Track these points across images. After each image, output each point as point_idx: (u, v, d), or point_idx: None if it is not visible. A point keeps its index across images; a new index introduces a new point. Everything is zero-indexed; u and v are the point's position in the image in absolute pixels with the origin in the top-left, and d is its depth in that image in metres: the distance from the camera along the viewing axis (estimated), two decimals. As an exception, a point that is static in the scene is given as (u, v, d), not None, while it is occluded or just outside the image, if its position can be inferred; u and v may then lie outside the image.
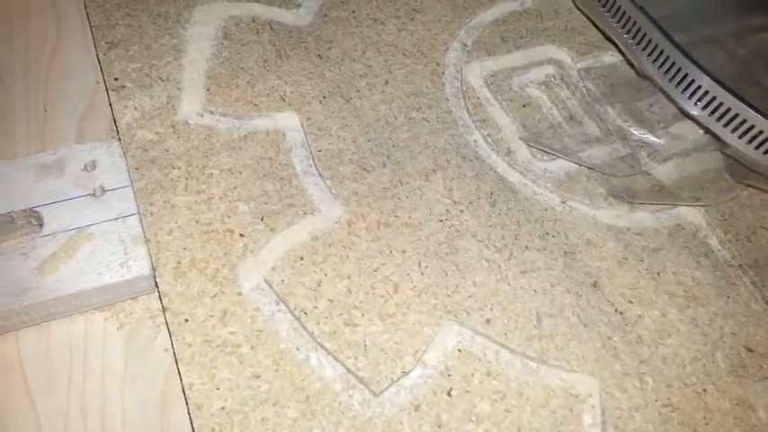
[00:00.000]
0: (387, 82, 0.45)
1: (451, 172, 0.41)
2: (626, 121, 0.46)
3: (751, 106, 0.40)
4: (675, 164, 0.45)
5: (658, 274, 0.39)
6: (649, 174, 0.44)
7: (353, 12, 0.49)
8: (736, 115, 0.40)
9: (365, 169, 0.40)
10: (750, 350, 0.37)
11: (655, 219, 0.42)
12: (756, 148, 0.40)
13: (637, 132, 0.46)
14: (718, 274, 0.40)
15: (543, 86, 0.48)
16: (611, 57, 0.50)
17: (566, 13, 0.52)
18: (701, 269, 0.40)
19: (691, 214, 0.42)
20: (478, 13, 0.51)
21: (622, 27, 0.47)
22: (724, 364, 0.36)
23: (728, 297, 0.39)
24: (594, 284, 0.38)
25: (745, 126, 0.40)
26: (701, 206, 0.42)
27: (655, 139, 0.46)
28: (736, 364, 0.36)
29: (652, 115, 0.47)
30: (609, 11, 0.48)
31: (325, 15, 0.48)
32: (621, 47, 0.48)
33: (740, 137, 0.41)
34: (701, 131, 0.46)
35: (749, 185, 0.44)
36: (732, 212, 0.43)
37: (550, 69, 0.49)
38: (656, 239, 0.41)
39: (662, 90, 0.45)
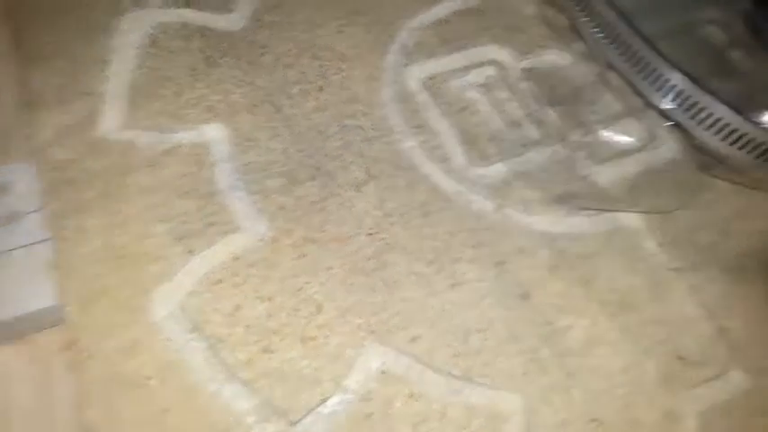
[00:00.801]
0: (321, 88, 0.44)
1: (384, 182, 0.41)
2: (566, 123, 0.46)
3: (719, 99, 0.39)
4: (615, 165, 0.44)
5: (590, 282, 0.38)
6: (587, 176, 0.43)
7: (289, 15, 0.48)
8: (703, 108, 0.40)
9: (294, 182, 0.40)
10: (682, 358, 0.37)
11: (591, 223, 0.41)
12: (723, 140, 0.40)
13: (576, 133, 0.45)
14: (653, 280, 0.39)
15: (483, 89, 0.47)
16: (553, 56, 0.49)
17: (509, 10, 0.51)
18: (635, 274, 0.39)
19: (629, 217, 0.42)
20: (421, 14, 0.50)
21: (590, 21, 0.46)
22: (655, 374, 0.36)
23: (662, 303, 0.38)
24: (525, 295, 0.37)
25: (712, 119, 0.40)
26: (639, 212, 0.42)
27: (594, 139, 0.45)
28: (667, 373, 0.36)
29: (592, 115, 0.46)
30: (578, 4, 0.47)
31: (259, 20, 0.47)
32: (589, 41, 0.46)
33: (707, 129, 0.41)
34: (642, 131, 0.46)
35: (715, 176, 0.44)
36: (671, 213, 0.42)
37: (491, 71, 0.48)
38: (591, 245, 0.40)
39: (630, 84, 0.44)
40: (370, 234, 0.38)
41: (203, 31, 0.45)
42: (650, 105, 0.45)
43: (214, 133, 0.40)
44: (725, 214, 0.42)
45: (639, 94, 0.47)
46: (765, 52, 0.50)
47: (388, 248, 0.38)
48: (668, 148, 0.45)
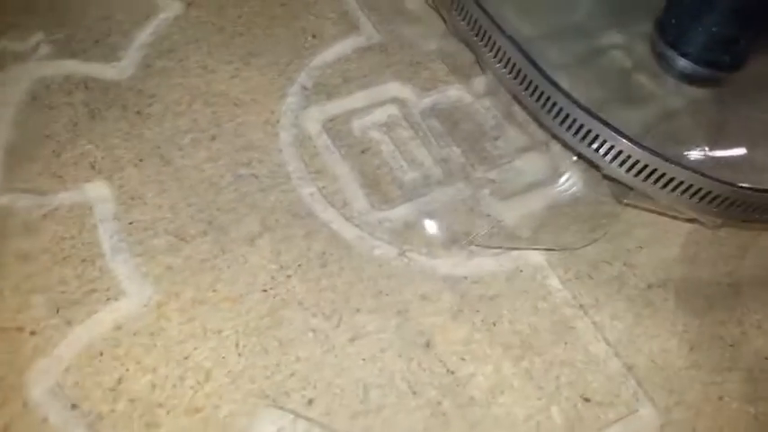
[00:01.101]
0: (214, 137, 0.42)
1: (280, 233, 0.39)
2: (470, 159, 0.45)
3: (616, 130, 0.39)
4: (519, 201, 0.44)
5: (494, 325, 0.38)
6: (491, 215, 0.43)
7: (181, 60, 0.46)
8: (605, 140, 0.40)
9: (183, 239, 0.38)
10: (587, 400, 0.36)
11: (495, 262, 0.41)
12: (627, 171, 0.40)
13: (480, 170, 0.45)
14: (556, 319, 0.39)
15: (385, 128, 0.46)
16: (456, 91, 0.48)
17: (412, 46, 0.50)
18: (538, 314, 0.39)
19: (532, 255, 0.41)
20: (321, 52, 0.49)
21: (493, 55, 0.46)
22: (560, 419, 0.35)
23: (566, 343, 0.38)
24: (427, 344, 0.36)
25: (614, 150, 0.39)
26: (542, 249, 0.41)
27: (498, 176, 0.45)
28: (572, 417, 0.35)
29: (496, 151, 0.46)
30: (480, 38, 0.46)
31: (149, 66, 0.45)
32: (492, 75, 0.46)
33: (610, 160, 0.41)
34: (547, 165, 0.46)
35: (628, 205, 0.44)
36: (573, 249, 0.42)
37: (394, 109, 0.47)
38: (494, 286, 0.39)
39: (535, 118, 0.45)
40: (265, 290, 0.37)
41: (88, 83, 0.43)
42: (555, 138, 0.45)
43: (97, 192, 0.38)
44: (630, 246, 0.42)
45: (544, 127, 0.46)
46: (668, 76, 0.51)
47: (283, 304, 0.36)
48: (573, 182, 0.45)
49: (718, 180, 0.37)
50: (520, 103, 0.47)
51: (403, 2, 0.53)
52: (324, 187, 0.42)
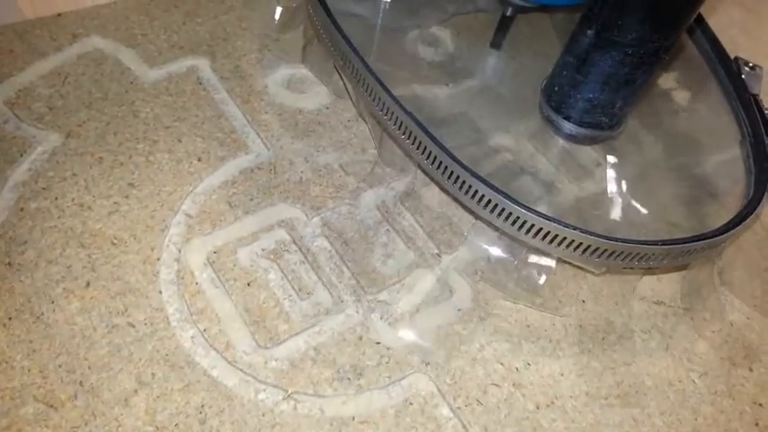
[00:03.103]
0: (88, 284, 0.41)
1: (157, 389, 0.38)
2: (360, 281, 0.45)
3: (501, 193, 0.40)
4: (408, 324, 0.43)
5: (382, 471, 0.37)
6: (378, 342, 0.42)
7: (56, 199, 0.44)
8: (494, 203, 0.41)
9: (53, 406, 0.36)
10: None
11: (385, 395, 0.40)
12: (511, 225, 0.41)
13: (371, 292, 0.44)
14: (446, 455, 0.38)
15: (273, 255, 0.45)
16: (346, 206, 0.48)
17: (301, 162, 0.50)
18: (428, 452, 0.38)
19: (422, 382, 0.41)
20: (206, 177, 0.48)
21: (396, 127, 0.46)
22: None
23: (455, 481, 0.37)
24: (311, 501, 0.35)
25: (506, 212, 0.40)
26: (429, 372, 0.41)
27: (387, 296, 0.44)
28: None
29: (386, 269, 0.46)
30: (385, 115, 0.46)
31: (22, 209, 0.44)
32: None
33: (504, 221, 0.41)
34: (437, 280, 0.46)
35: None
36: (462, 372, 0.42)
37: (282, 233, 0.46)
38: (382, 425, 0.39)
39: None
40: (138, 458, 0.35)
41: (-47, 234, 0.41)
42: (444, 253, 0.46)
43: (-44, 362, 0.36)
44: (518, 364, 0.42)
45: (432, 239, 0.47)
46: (557, 137, 0.53)
47: (157, 472, 0.35)
48: (461, 297, 0.45)
49: (596, 235, 0.39)
50: (412, 214, 0.47)
51: (294, 115, 0.53)
52: (205, 330, 0.41)
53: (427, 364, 0.42)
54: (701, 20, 0.57)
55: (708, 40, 0.57)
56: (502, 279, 0.45)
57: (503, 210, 0.40)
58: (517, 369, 0.42)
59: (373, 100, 0.44)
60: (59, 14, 0.55)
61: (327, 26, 0.46)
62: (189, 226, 0.45)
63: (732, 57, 0.55)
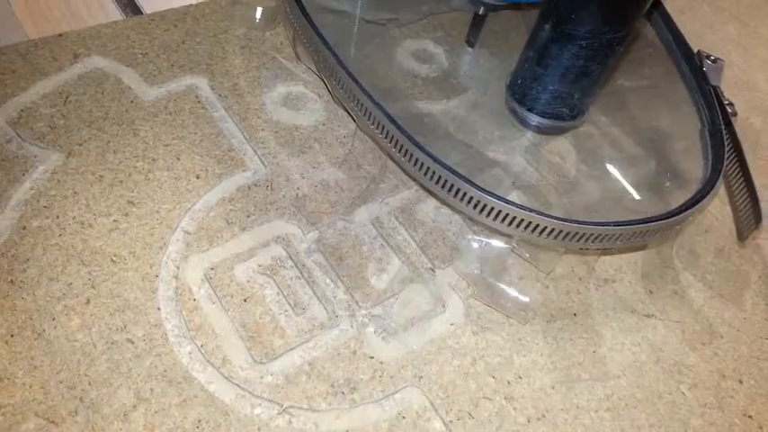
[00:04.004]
0: (88, 301, 0.42)
1: (155, 404, 0.39)
2: (354, 296, 0.46)
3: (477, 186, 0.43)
4: (401, 338, 0.44)
5: (374, 484, 0.38)
6: (373, 356, 0.43)
7: (58, 217, 0.46)
8: (457, 187, 0.44)
9: (54, 422, 0.37)
10: None
11: (379, 409, 0.41)
12: (473, 208, 0.44)
13: (365, 306, 0.45)
14: (438, 468, 0.39)
15: (269, 270, 0.46)
16: (342, 221, 0.49)
17: (297, 178, 0.51)
18: (420, 466, 0.39)
19: (415, 396, 0.42)
20: (204, 194, 0.49)
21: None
22: None
23: (447, 494, 0.38)
24: None
25: (467, 196, 0.43)
26: (422, 386, 0.42)
27: (382, 311, 0.45)
28: None
29: (379, 283, 0.47)
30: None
31: (24, 228, 0.45)
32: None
33: (467, 204, 0.44)
34: (431, 294, 0.46)
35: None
36: (455, 385, 0.42)
37: (278, 249, 0.47)
38: (376, 439, 0.39)
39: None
40: (136, 472, 0.36)
41: (-43, 253, 0.42)
42: (438, 267, 0.47)
43: (-40, 379, 0.37)
44: (510, 377, 0.43)
45: (426, 255, 0.48)
46: (523, 128, 0.55)
47: (155, 486, 0.36)
48: (454, 311, 0.46)
49: (551, 216, 0.42)
50: (406, 229, 0.49)
51: (291, 132, 0.54)
52: (203, 345, 0.42)
53: (420, 377, 0.42)
54: (666, 15, 0.61)
55: (672, 34, 0.60)
56: (492, 295, 0.46)
57: (465, 194, 0.43)
58: (508, 382, 0.43)
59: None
60: (61, 34, 0.56)
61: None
62: (187, 243, 0.46)
63: (695, 50, 0.58)
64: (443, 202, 0.50)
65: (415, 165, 0.45)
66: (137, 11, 0.61)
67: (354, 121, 0.52)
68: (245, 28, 0.60)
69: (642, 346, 0.46)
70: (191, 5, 0.61)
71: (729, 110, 0.55)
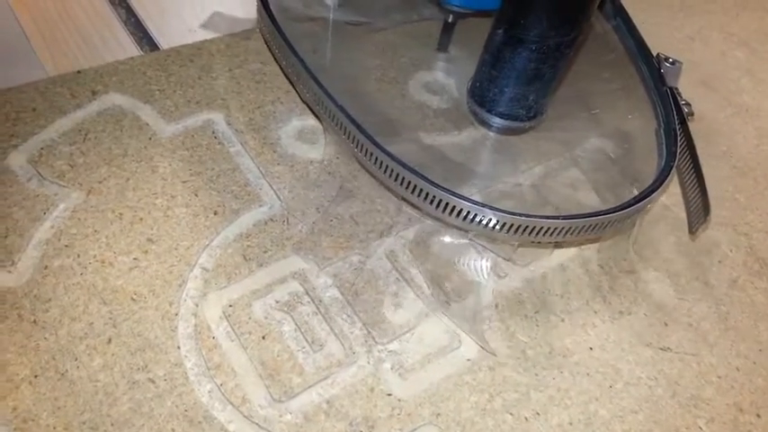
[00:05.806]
0: (110, 340, 0.43)
1: (176, 444, 0.39)
2: (370, 332, 0.46)
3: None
4: (418, 375, 0.45)
5: None
6: (391, 394, 0.43)
7: (78, 256, 0.46)
8: (414, 185, 0.46)
9: (77, 463, 0.37)
10: None
11: (397, 448, 0.41)
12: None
13: (382, 341, 0.46)
14: (457, 507, 0.39)
15: (287, 307, 0.47)
16: (356, 255, 0.50)
17: (313, 213, 0.52)
18: (439, 505, 0.39)
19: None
20: (222, 230, 0.50)
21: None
22: None
23: None
24: None
25: (425, 193, 0.46)
26: (440, 424, 0.42)
27: (398, 346, 0.46)
28: None
29: (395, 318, 0.47)
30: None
31: (46, 267, 0.45)
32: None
33: (424, 201, 0.47)
34: (446, 330, 0.47)
35: None
36: (472, 423, 0.43)
37: (295, 285, 0.48)
38: (394, 478, 0.40)
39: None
40: None
41: (-19, 294, 0.43)
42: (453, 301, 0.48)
43: (-15, 422, 0.38)
44: (528, 414, 0.43)
45: (442, 289, 0.48)
46: (484, 129, 0.58)
47: None
48: (469, 346, 0.46)
49: (504, 211, 0.45)
50: (421, 262, 0.50)
51: (306, 166, 0.55)
52: (222, 384, 0.42)
53: (438, 415, 0.43)
54: (627, 19, 0.63)
55: (632, 38, 0.62)
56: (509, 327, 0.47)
57: (422, 190, 0.46)
58: (526, 419, 0.43)
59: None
60: (79, 71, 0.57)
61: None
62: (205, 280, 0.47)
63: (654, 53, 0.60)
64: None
65: (375, 163, 0.48)
66: (153, 45, 0.62)
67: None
68: (260, 63, 0.61)
69: (659, 380, 0.46)
70: (205, 40, 0.62)
71: (686, 110, 0.56)
